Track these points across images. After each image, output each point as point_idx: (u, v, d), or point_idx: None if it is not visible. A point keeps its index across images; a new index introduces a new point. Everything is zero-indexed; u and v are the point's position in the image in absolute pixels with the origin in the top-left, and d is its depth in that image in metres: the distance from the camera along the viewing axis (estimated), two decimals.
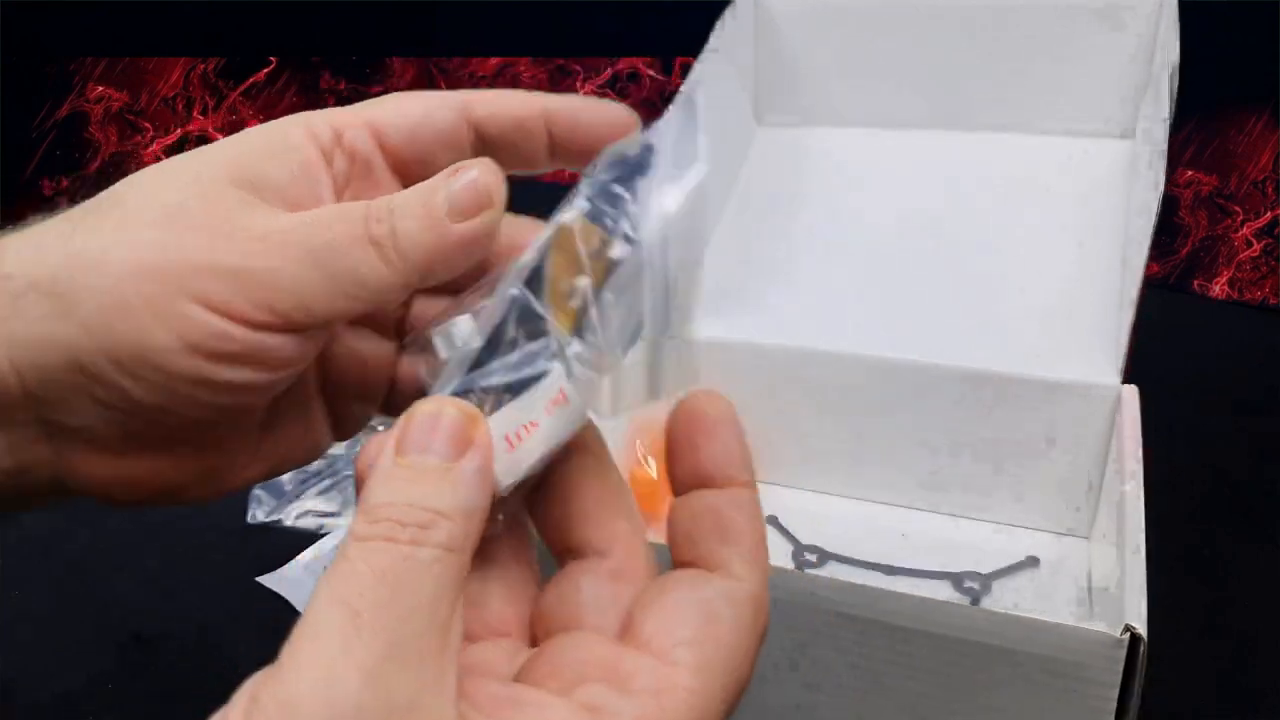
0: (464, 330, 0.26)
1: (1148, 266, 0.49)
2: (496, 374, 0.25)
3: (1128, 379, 0.49)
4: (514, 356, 0.25)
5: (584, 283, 0.25)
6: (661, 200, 0.26)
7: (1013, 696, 0.37)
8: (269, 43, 0.96)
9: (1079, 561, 0.52)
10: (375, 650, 0.20)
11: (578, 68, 1.03)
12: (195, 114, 0.92)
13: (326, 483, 0.65)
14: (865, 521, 0.55)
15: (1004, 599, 0.50)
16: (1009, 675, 0.37)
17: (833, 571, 0.51)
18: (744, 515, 0.26)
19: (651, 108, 0.99)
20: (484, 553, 0.25)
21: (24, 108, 0.81)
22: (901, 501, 0.56)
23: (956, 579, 0.51)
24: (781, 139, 0.65)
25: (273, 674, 0.21)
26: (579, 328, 0.25)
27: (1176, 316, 0.70)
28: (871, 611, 0.37)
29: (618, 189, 0.26)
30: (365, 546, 0.22)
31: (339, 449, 0.67)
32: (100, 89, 0.85)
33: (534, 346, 0.25)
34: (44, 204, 0.85)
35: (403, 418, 0.23)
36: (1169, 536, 0.43)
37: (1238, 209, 0.82)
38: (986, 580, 0.51)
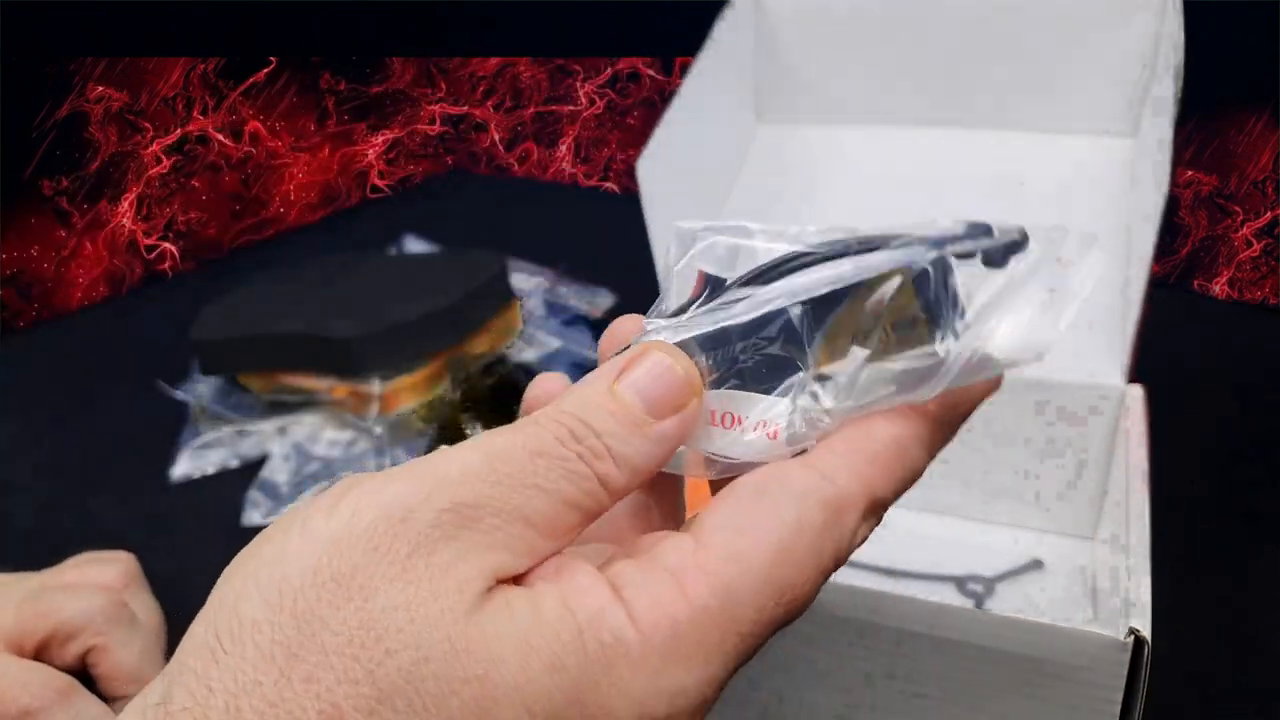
0: (739, 269, 0.24)
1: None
2: (740, 351, 0.23)
3: (1132, 379, 0.49)
4: (756, 356, 0.23)
5: (859, 355, 0.23)
6: (1016, 313, 0.23)
7: (1016, 700, 0.37)
8: (269, 43, 0.96)
9: (1083, 563, 0.52)
10: (484, 498, 0.21)
11: (578, 68, 1.03)
12: (195, 114, 0.92)
13: (323, 484, 0.65)
14: None
15: (1008, 602, 0.50)
16: (1012, 678, 0.36)
17: (835, 574, 0.51)
18: (892, 424, 0.24)
19: (651, 108, 0.99)
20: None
21: (24, 108, 0.81)
22: (904, 503, 0.55)
23: (960, 582, 0.51)
24: (781, 137, 0.65)
25: (375, 476, 0.22)
26: (825, 380, 0.23)
27: (1177, 316, 0.70)
28: (874, 615, 0.37)
29: (970, 264, 0.23)
30: (535, 428, 0.22)
31: (335, 451, 0.67)
32: (100, 89, 0.85)
33: (776, 358, 0.23)
34: (44, 204, 0.85)
35: (633, 349, 0.23)
36: (1174, 538, 0.43)
37: (1238, 209, 0.82)
38: (990, 583, 0.51)
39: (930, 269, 0.23)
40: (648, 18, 0.95)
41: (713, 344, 0.24)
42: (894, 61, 0.62)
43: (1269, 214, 0.81)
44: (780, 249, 0.24)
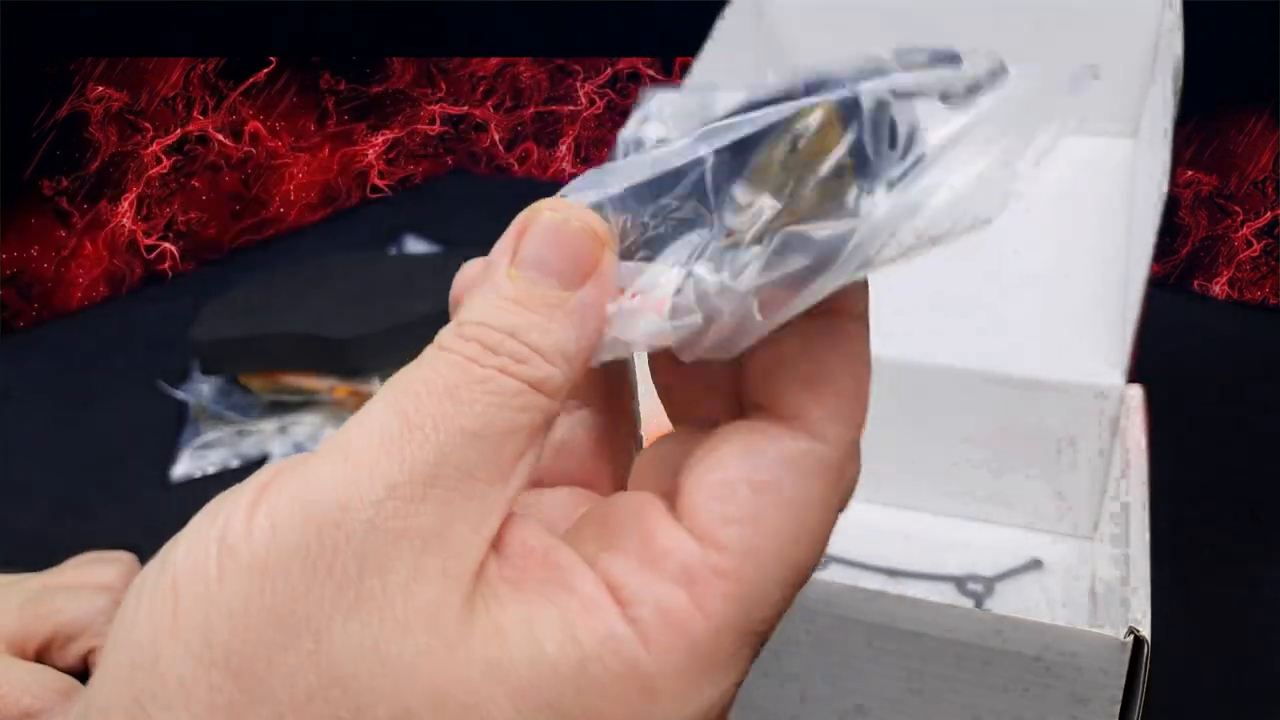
0: (649, 135, 0.20)
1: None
2: (650, 215, 0.19)
3: (1132, 379, 0.49)
4: (667, 219, 0.20)
5: (765, 212, 0.18)
6: (968, 166, 0.18)
7: (1016, 699, 0.37)
8: (269, 43, 0.96)
9: (1083, 563, 0.52)
10: (415, 469, 0.18)
11: (578, 68, 1.03)
12: (195, 114, 0.92)
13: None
14: (868, 524, 0.55)
15: (1008, 601, 0.50)
16: (1012, 678, 0.36)
17: (835, 574, 0.51)
18: (840, 353, 0.20)
19: None
20: (578, 397, 0.23)
21: (24, 108, 0.81)
22: (904, 503, 0.56)
23: (960, 581, 0.51)
24: None
25: (295, 466, 0.18)
26: (732, 248, 0.19)
27: (1177, 316, 0.70)
28: (874, 615, 0.37)
29: (911, 103, 0.18)
30: (443, 357, 0.19)
31: None
32: (100, 89, 0.85)
33: (686, 220, 0.19)
34: (44, 204, 0.85)
35: (520, 218, 0.20)
36: (1173, 537, 0.43)
37: (1238, 209, 0.82)
38: (990, 583, 0.51)
39: (861, 99, 0.18)
40: (648, 18, 0.95)
41: (622, 206, 0.20)
42: None
43: (1269, 214, 0.81)
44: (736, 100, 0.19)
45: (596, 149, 1.05)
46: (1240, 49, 0.73)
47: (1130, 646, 0.34)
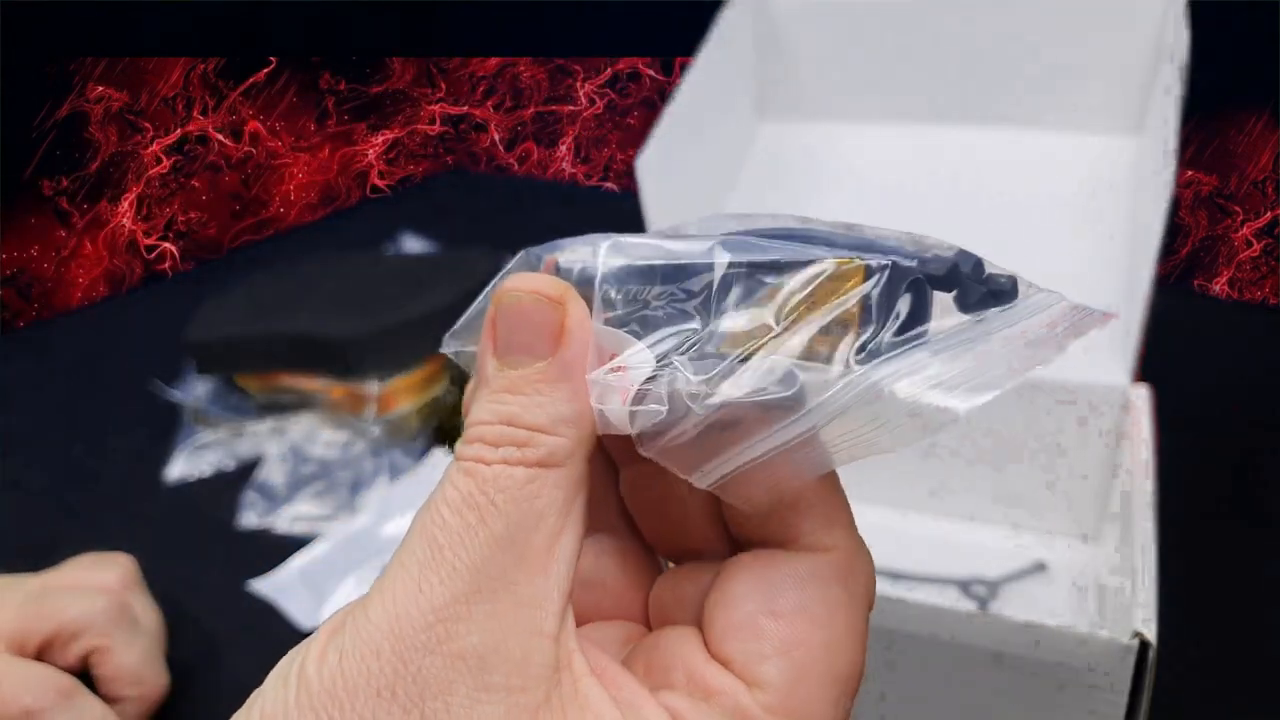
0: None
1: None
2: (654, 295, 0.20)
3: (1136, 379, 0.49)
4: (669, 307, 0.20)
5: (767, 329, 0.19)
6: (946, 365, 0.18)
7: (1020, 703, 0.37)
8: (269, 43, 0.96)
9: (1087, 565, 0.52)
10: (455, 587, 0.18)
11: (578, 68, 1.03)
12: (195, 114, 0.92)
13: (320, 485, 0.64)
14: (871, 526, 0.54)
15: (1012, 604, 0.50)
16: (1017, 681, 0.36)
17: None
18: (832, 482, 0.21)
19: (651, 108, 0.99)
20: (602, 527, 0.23)
21: (24, 108, 0.81)
22: (908, 506, 0.55)
23: (964, 584, 0.50)
24: (783, 135, 0.65)
25: (358, 606, 0.19)
26: (715, 356, 0.19)
27: (1177, 316, 0.70)
28: (878, 618, 0.37)
29: (928, 290, 0.19)
30: (457, 468, 0.19)
31: (332, 452, 0.67)
32: (100, 89, 0.85)
33: (685, 314, 0.20)
34: (44, 204, 0.85)
35: (488, 312, 0.20)
36: (1178, 539, 0.43)
37: (1238, 209, 0.82)
38: (994, 585, 0.50)
39: (891, 270, 0.18)
40: (648, 18, 0.95)
41: (623, 279, 0.20)
42: (897, 59, 0.62)
43: (1269, 214, 0.81)
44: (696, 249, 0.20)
45: (596, 149, 1.05)
46: (1240, 49, 0.73)
47: (1135, 649, 0.34)
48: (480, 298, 0.21)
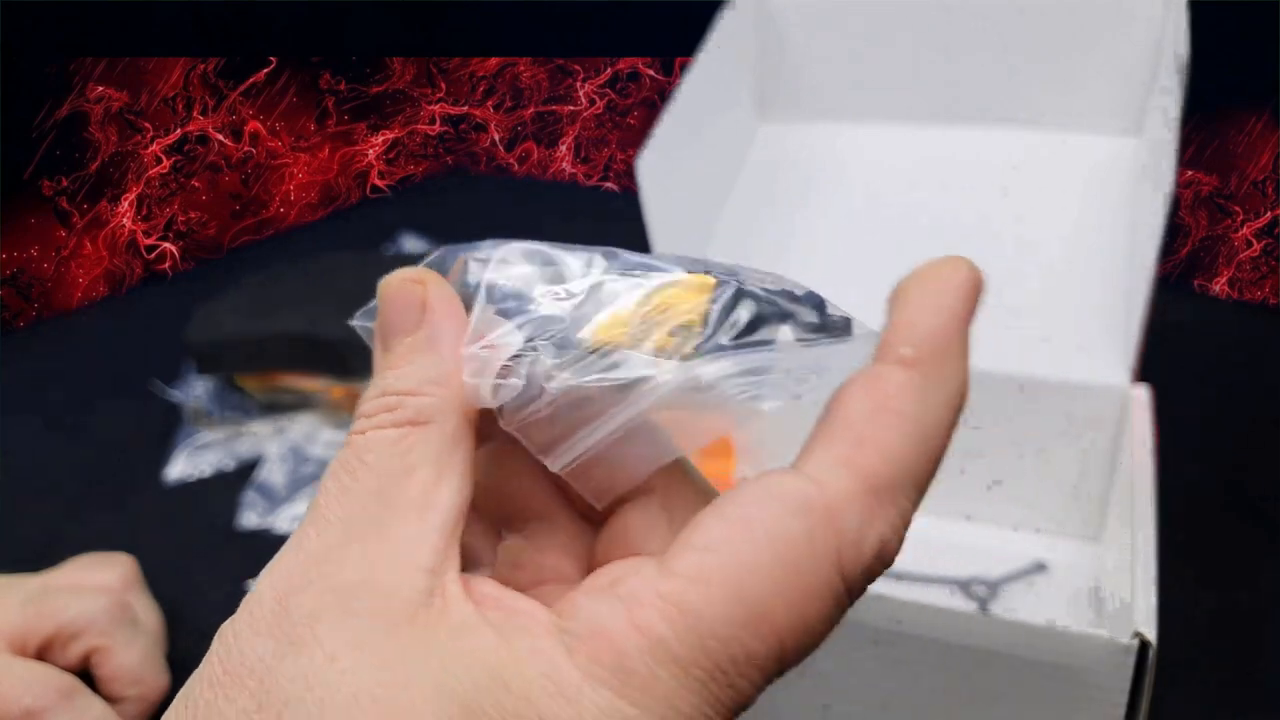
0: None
1: None
2: (536, 291, 0.22)
3: (1136, 379, 0.49)
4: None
5: (620, 327, 0.21)
6: (760, 376, 0.21)
7: (1021, 703, 0.37)
8: (269, 43, 0.96)
9: (1088, 565, 0.52)
10: (329, 537, 0.20)
11: (578, 68, 1.02)
12: (195, 114, 0.92)
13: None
14: None
15: (1012, 604, 0.50)
16: (1017, 682, 0.36)
17: None
18: (869, 403, 0.20)
19: (651, 108, 0.99)
20: (531, 506, 0.24)
21: (24, 108, 0.81)
22: None
23: (964, 584, 0.50)
24: (783, 136, 0.65)
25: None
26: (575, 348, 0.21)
27: (1177, 316, 0.70)
28: (877, 618, 0.37)
29: (772, 318, 0.21)
30: (342, 445, 0.21)
31: (332, 453, 0.67)
32: (100, 89, 0.85)
33: (559, 300, 0.22)
34: (44, 204, 0.85)
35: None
36: (1178, 539, 0.43)
37: (1238, 209, 0.82)
38: (994, 586, 0.51)
39: (735, 290, 0.21)
40: (648, 18, 0.95)
41: (507, 268, 0.23)
42: (897, 59, 0.62)
43: (1269, 214, 0.81)
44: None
45: (596, 149, 1.05)
46: (1240, 49, 0.73)
47: (1135, 650, 0.34)
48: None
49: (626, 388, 0.21)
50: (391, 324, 0.22)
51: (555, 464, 0.22)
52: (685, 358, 0.21)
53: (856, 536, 0.19)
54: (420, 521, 0.20)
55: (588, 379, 0.21)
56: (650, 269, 0.22)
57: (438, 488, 0.21)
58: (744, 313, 0.21)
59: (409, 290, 0.22)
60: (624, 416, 0.21)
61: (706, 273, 0.22)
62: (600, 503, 0.23)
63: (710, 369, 0.21)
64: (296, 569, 0.20)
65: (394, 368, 0.22)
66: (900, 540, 0.20)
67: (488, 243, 0.23)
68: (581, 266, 0.22)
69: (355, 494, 0.20)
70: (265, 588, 0.20)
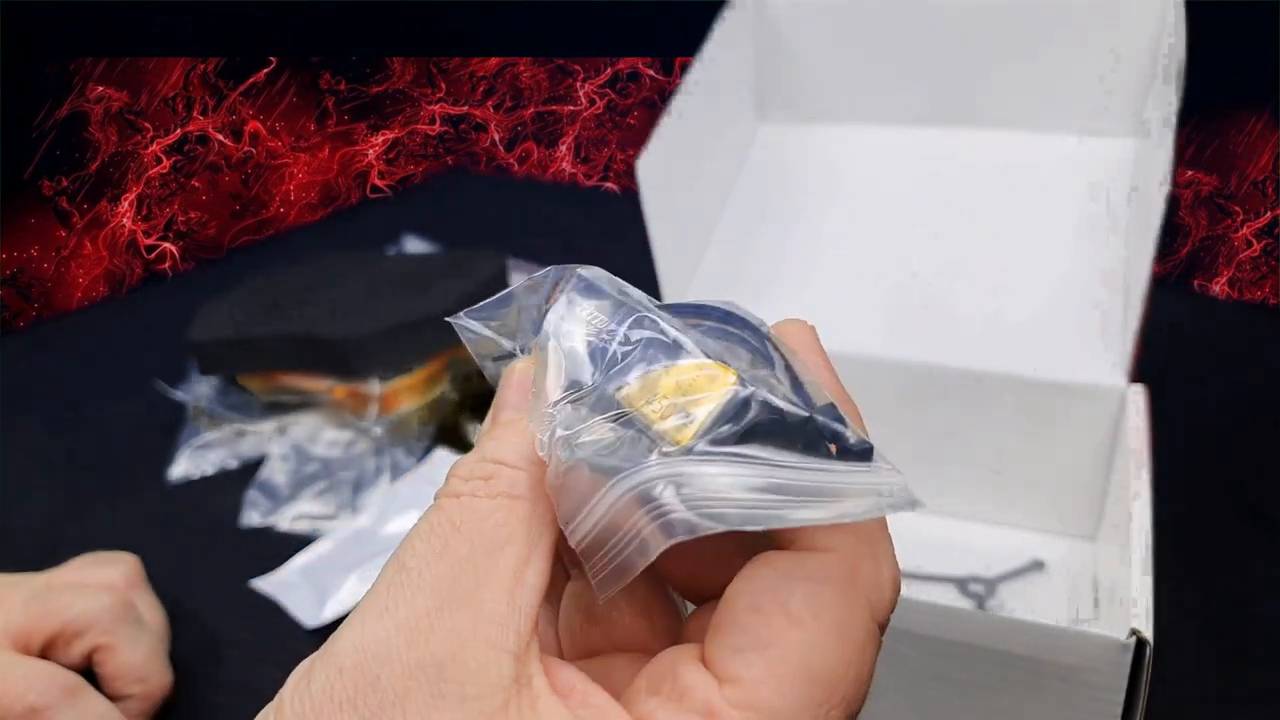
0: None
1: None
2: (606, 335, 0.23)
3: (1134, 379, 0.49)
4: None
5: (639, 402, 0.21)
6: (748, 483, 0.20)
7: (1018, 701, 0.37)
8: (269, 43, 0.96)
9: (1085, 564, 0.52)
10: (417, 605, 0.19)
11: (578, 68, 1.03)
12: (195, 114, 0.92)
13: (322, 485, 0.65)
14: None
15: (1009, 602, 0.50)
16: (1014, 680, 0.36)
17: None
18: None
19: (651, 108, 0.99)
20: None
21: (24, 108, 0.81)
22: None
23: (961, 582, 0.51)
24: (782, 136, 0.65)
25: (332, 636, 0.20)
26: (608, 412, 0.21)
27: (1177, 316, 0.70)
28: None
29: (779, 418, 0.21)
30: (431, 506, 0.21)
31: (334, 452, 0.67)
32: (100, 89, 0.85)
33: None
34: (44, 204, 0.85)
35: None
36: (1175, 538, 0.43)
37: (1238, 209, 0.82)
38: (991, 584, 0.51)
39: (753, 394, 0.20)
40: (648, 18, 0.95)
41: (609, 310, 0.23)
42: (897, 59, 0.62)
43: (1269, 214, 0.81)
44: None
45: (596, 149, 1.05)
46: (1240, 49, 0.73)
47: (1132, 648, 0.34)
48: (504, 293, 0.24)
49: (615, 469, 0.20)
50: (505, 399, 0.23)
51: (571, 539, 0.21)
52: (678, 449, 0.20)
53: (875, 578, 0.20)
54: (509, 601, 0.20)
55: (579, 456, 0.20)
56: (684, 343, 0.22)
57: (526, 567, 0.20)
58: (756, 419, 0.20)
59: (528, 373, 0.23)
60: (607, 501, 0.20)
61: (734, 365, 0.22)
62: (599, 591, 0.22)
63: (701, 468, 0.20)
64: (382, 636, 0.19)
65: (496, 437, 0.22)
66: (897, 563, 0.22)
67: (574, 276, 0.24)
68: (625, 314, 0.23)
69: (447, 562, 0.20)
70: (346, 653, 0.19)
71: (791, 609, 0.19)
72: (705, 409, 0.20)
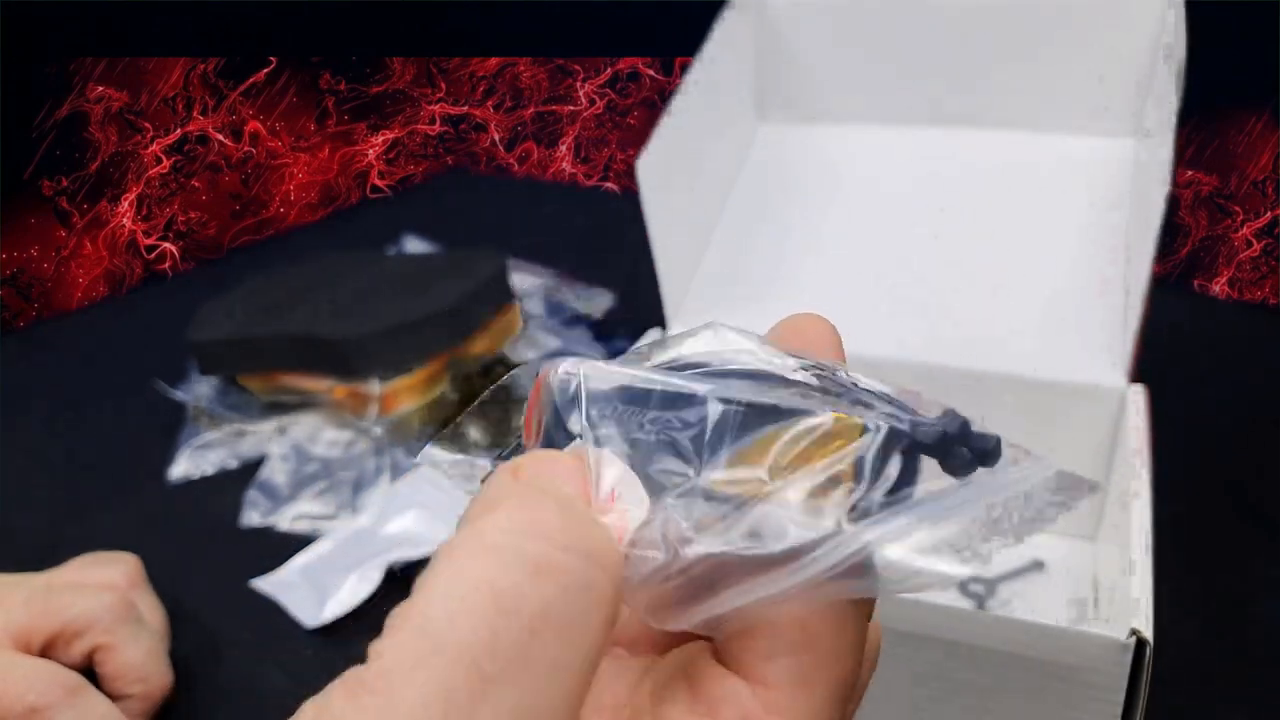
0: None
1: None
2: (648, 419, 0.20)
3: (1133, 379, 0.49)
4: (661, 434, 0.20)
5: (757, 479, 0.19)
6: (936, 528, 0.18)
7: (1017, 701, 0.37)
8: (269, 43, 0.96)
9: (1085, 564, 0.52)
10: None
11: (578, 68, 1.03)
12: (195, 114, 0.92)
13: (322, 485, 0.65)
14: None
15: (1009, 602, 0.50)
16: (1014, 680, 0.36)
17: None
18: None
19: (651, 108, 0.99)
20: None
21: (24, 108, 0.81)
22: None
23: (962, 583, 0.51)
24: (782, 137, 0.65)
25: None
26: (711, 499, 0.19)
27: (1177, 316, 0.70)
28: (875, 616, 0.37)
29: (919, 454, 0.19)
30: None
31: (334, 452, 0.67)
32: (100, 89, 0.85)
33: (677, 446, 0.19)
34: (44, 204, 0.85)
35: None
36: (1175, 538, 0.43)
37: (1238, 209, 0.82)
38: (992, 584, 0.51)
39: (886, 433, 0.18)
40: (648, 18, 0.95)
41: (629, 399, 0.20)
42: (896, 61, 0.62)
43: (1269, 214, 0.81)
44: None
45: (596, 149, 1.05)
46: (1240, 49, 0.73)
47: (1132, 647, 0.34)
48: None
49: (779, 557, 0.18)
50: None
51: (674, 625, 0.20)
52: (851, 519, 0.18)
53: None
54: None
55: (737, 548, 0.18)
56: (779, 401, 0.19)
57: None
58: (897, 461, 0.19)
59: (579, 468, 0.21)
60: (774, 589, 0.18)
61: (847, 409, 0.19)
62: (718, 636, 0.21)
63: (876, 532, 0.18)
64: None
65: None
66: None
67: (569, 360, 0.21)
68: (683, 382, 0.20)
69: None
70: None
71: (826, 617, 0.19)
72: (842, 464, 0.18)
